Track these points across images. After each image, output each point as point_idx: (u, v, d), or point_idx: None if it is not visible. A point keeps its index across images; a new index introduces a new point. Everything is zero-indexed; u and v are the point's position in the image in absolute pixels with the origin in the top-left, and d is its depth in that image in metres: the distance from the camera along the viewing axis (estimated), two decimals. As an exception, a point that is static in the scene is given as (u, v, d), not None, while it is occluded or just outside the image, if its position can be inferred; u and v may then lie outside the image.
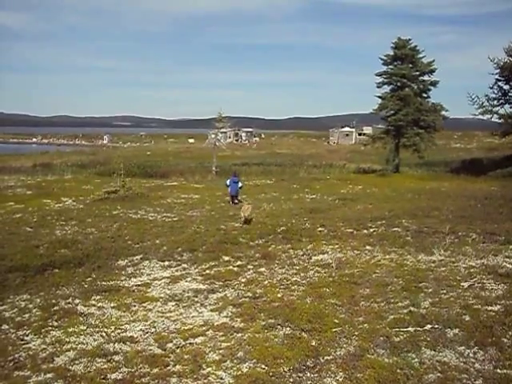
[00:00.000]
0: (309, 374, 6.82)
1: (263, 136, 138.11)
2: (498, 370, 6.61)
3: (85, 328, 8.85)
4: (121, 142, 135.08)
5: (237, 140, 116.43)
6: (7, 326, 9.15)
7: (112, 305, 10.01)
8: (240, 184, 24.63)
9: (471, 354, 7.08)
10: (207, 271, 12.18)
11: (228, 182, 24.73)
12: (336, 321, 8.50)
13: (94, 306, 10.00)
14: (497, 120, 41.05)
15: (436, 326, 7.96)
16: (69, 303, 10.15)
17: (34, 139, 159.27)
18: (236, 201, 23.95)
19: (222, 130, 52.40)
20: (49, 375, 7.17)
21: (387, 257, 12.66)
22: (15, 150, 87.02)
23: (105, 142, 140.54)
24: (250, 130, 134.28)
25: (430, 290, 9.71)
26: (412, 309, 8.78)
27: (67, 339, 8.37)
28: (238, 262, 12.85)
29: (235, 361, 7.30)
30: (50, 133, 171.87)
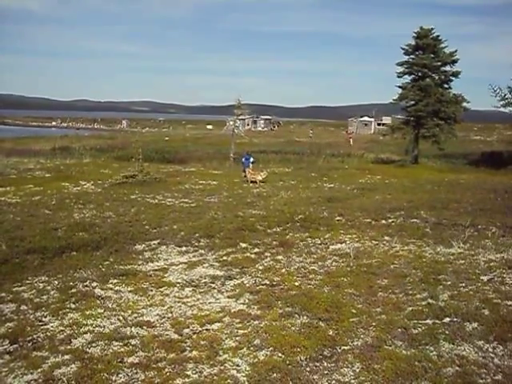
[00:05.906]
0: (326, 364, 6.79)
1: (281, 123, 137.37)
2: (518, 366, 6.51)
3: (102, 311, 8.91)
4: (139, 127, 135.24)
5: (255, 127, 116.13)
6: (26, 307, 9.23)
7: (129, 289, 10.05)
8: (252, 159, 30.06)
9: (490, 349, 6.99)
10: (224, 257, 12.18)
11: (243, 160, 29.98)
12: (353, 311, 8.46)
13: (111, 289, 10.05)
14: (518, 113, 40.34)
15: (455, 320, 7.88)
16: (86, 286, 10.22)
17: (54, 123, 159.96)
18: (245, 174, 28.37)
19: (241, 117, 52.29)
20: (66, 357, 7.22)
21: (405, 248, 12.56)
22: (35, 133, 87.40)
23: (123, 126, 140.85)
24: (269, 117, 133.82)
25: (449, 283, 9.62)
26: (430, 301, 8.71)
27: (84, 322, 8.43)
28: (256, 249, 12.83)
29: (252, 348, 7.29)
30: (69, 116, 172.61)
